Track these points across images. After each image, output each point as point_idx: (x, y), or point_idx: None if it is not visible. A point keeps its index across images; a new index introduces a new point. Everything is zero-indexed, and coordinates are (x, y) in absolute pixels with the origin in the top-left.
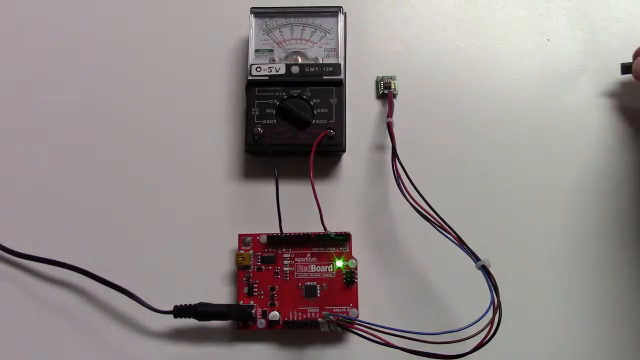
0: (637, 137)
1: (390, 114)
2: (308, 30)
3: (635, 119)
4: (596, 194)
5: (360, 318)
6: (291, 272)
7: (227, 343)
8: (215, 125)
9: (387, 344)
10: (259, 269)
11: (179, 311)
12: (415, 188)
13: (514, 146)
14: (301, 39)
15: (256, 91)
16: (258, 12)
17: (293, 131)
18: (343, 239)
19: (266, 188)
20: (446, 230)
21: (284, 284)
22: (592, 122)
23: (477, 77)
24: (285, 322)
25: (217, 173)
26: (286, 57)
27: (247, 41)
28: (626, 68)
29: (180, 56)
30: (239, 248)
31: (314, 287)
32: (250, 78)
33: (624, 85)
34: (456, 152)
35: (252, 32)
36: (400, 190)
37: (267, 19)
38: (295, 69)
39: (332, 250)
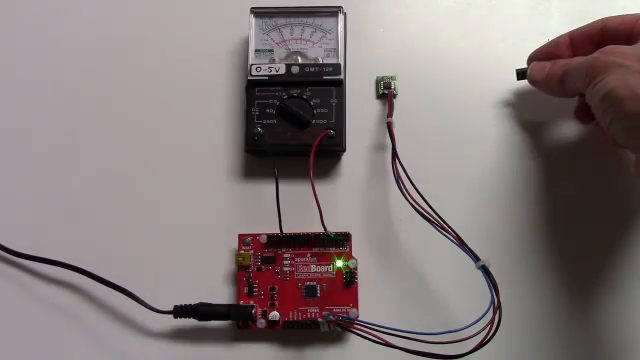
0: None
1: (390, 114)
2: (308, 30)
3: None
4: None
5: (360, 318)
6: (291, 272)
7: (227, 343)
8: (215, 125)
9: (387, 344)
10: (259, 269)
11: (179, 311)
12: (415, 188)
13: (514, 146)
14: (301, 39)
15: (256, 91)
16: (258, 12)
17: (293, 131)
18: (343, 239)
19: (266, 188)
20: (446, 230)
21: (284, 284)
22: None
23: (477, 77)
24: (285, 322)
25: (217, 173)
26: (286, 57)
27: (247, 41)
28: (521, 74)
29: (180, 56)
30: (239, 248)
31: (314, 287)
32: (250, 78)
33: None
34: (456, 152)
35: (252, 32)
36: (400, 190)
37: (267, 19)
38: (295, 69)
39: (332, 250)
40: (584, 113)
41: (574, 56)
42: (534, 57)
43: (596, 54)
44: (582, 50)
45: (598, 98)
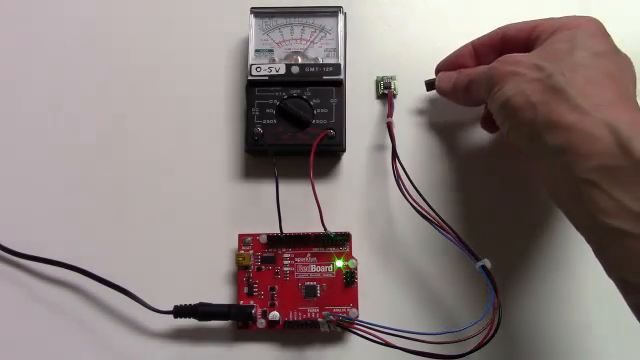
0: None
1: (390, 114)
2: (308, 30)
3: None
4: None
5: (360, 318)
6: (291, 272)
7: (227, 343)
8: (215, 125)
9: (387, 344)
10: (259, 269)
11: (179, 311)
12: (415, 188)
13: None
14: (301, 39)
15: (256, 91)
16: (258, 12)
17: (293, 131)
18: (343, 239)
19: (266, 188)
20: (446, 230)
21: (284, 284)
22: None
23: None
24: (285, 322)
25: (217, 173)
26: (286, 57)
27: (247, 41)
28: (430, 85)
29: (180, 56)
30: (239, 248)
31: (314, 287)
32: (250, 78)
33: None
34: (456, 152)
35: (252, 32)
36: (400, 190)
37: (267, 19)
38: (295, 69)
39: (332, 250)
40: (489, 122)
41: (478, 65)
42: (441, 67)
43: (494, 63)
44: (486, 59)
45: (497, 107)
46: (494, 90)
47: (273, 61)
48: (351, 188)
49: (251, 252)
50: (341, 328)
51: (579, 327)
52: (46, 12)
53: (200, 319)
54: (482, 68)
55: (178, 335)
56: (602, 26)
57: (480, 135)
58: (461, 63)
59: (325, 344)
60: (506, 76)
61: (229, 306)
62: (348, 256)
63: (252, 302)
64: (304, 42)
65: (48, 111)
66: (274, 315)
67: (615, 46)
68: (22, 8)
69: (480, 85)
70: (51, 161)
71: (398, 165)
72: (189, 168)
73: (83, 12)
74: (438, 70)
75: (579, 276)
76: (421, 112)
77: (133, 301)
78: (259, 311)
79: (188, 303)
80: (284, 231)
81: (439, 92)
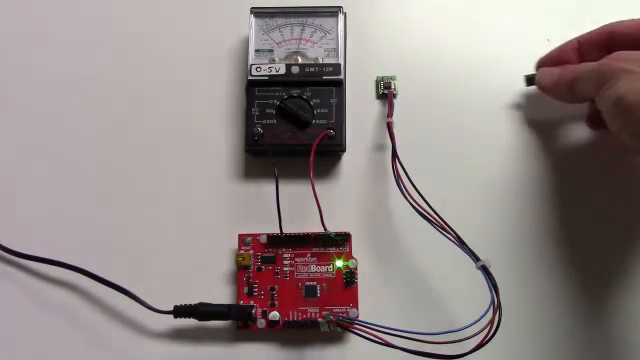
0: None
1: (390, 114)
2: (308, 30)
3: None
4: None
5: (360, 318)
6: (291, 272)
7: (227, 343)
8: (215, 125)
9: (387, 344)
10: (259, 269)
11: (179, 311)
12: (415, 188)
13: (514, 146)
14: (301, 39)
15: (256, 91)
16: (258, 12)
17: (293, 131)
18: (343, 239)
19: (266, 188)
20: (446, 230)
21: (284, 284)
22: None
23: (477, 77)
24: (285, 322)
25: (217, 173)
26: (286, 57)
27: (247, 41)
28: (529, 80)
29: (180, 56)
30: (239, 248)
31: (314, 287)
32: (250, 78)
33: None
34: (456, 152)
35: (252, 32)
36: (400, 190)
37: (267, 19)
38: (295, 69)
39: (332, 250)
40: (595, 119)
41: (581, 62)
42: (542, 63)
43: (605, 60)
44: (590, 56)
45: (608, 104)
46: (604, 87)
47: (273, 61)
48: (351, 188)
49: (251, 252)
50: (341, 328)
51: (579, 327)
52: (47, 12)
53: (200, 319)
54: (589, 65)
55: (178, 335)
56: None
57: (479, 135)
58: (564, 59)
59: (325, 344)
60: (619, 73)
61: (229, 306)
62: (348, 256)
63: (252, 302)
64: (304, 42)
65: (48, 111)
66: (274, 315)
67: None
68: (22, 7)
69: (587, 82)
70: (51, 161)
71: (398, 165)
72: (189, 168)
73: (83, 12)
74: (539, 65)
75: (578, 276)
76: (422, 112)
77: (133, 301)
78: (259, 311)
79: (188, 303)
80: (284, 231)
81: (540, 87)
